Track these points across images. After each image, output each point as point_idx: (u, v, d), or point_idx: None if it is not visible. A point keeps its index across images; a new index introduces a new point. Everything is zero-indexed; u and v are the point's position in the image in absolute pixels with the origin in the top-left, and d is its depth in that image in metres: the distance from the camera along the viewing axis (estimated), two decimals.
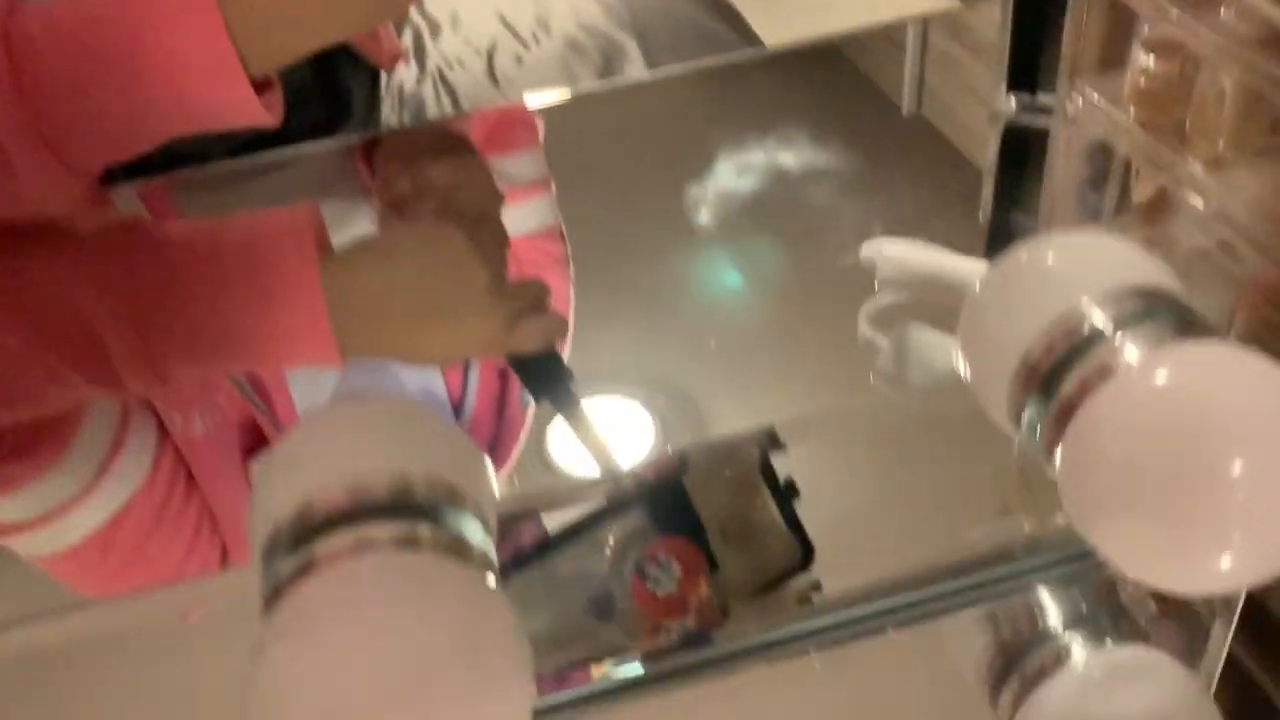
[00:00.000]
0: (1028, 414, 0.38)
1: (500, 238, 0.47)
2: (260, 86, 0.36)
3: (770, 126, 1.13)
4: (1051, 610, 0.48)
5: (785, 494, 0.43)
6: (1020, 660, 0.47)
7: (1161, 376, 0.35)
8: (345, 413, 0.35)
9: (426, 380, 0.61)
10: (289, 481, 0.33)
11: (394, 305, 0.41)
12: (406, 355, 0.44)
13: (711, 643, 0.42)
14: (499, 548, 0.35)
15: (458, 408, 0.62)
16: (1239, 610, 0.48)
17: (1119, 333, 0.36)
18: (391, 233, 0.45)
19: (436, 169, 0.48)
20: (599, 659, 0.43)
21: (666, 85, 0.43)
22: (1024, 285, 0.40)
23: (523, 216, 0.61)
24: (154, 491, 0.49)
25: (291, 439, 0.34)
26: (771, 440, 0.44)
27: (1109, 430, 0.35)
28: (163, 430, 0.49)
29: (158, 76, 0.34)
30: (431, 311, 0.42)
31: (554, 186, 0.62)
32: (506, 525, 0.41)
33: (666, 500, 0.42)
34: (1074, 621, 0.47)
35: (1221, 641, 0.48)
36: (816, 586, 0.44)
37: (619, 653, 0.43)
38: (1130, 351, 0.36)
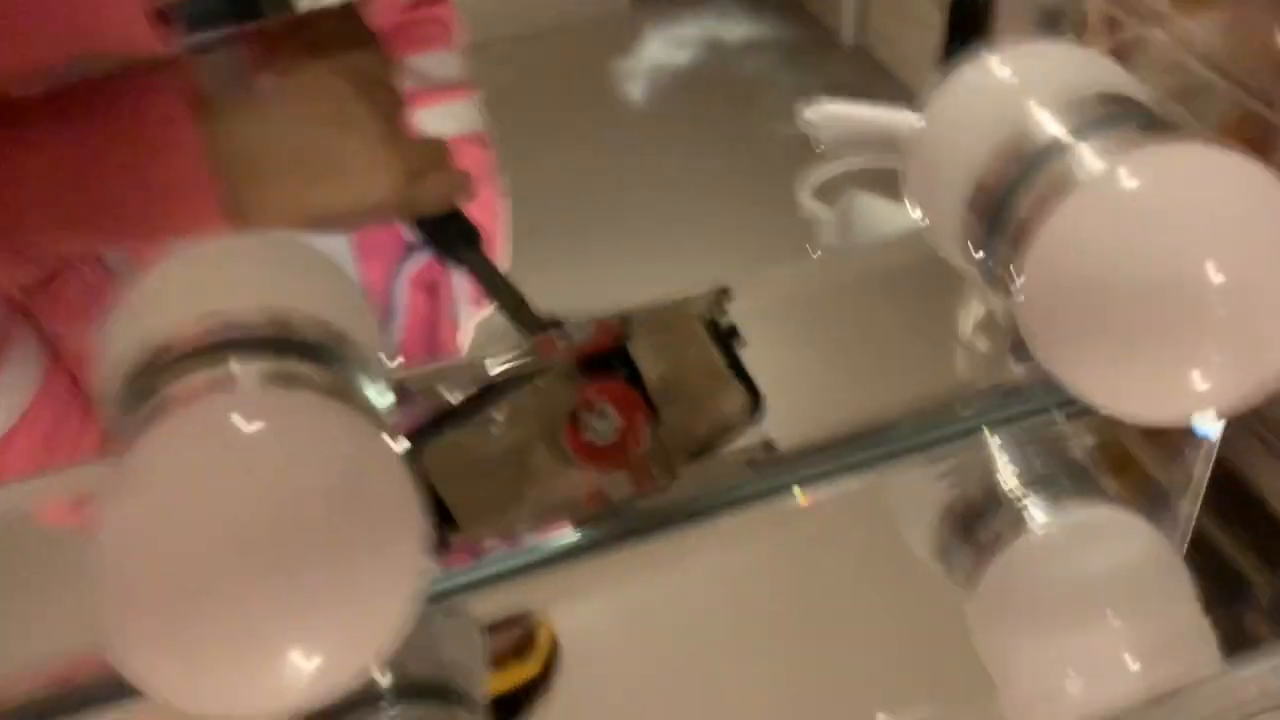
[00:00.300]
0: (984, 246, 0.35)
1: (394, 96, 0.44)
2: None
3: (714, 62, 1.10)
4: (1008, 471, 0.44)
5: (728, 342, 0.40)
6: (977, 528, 0.43)
7: (1126, 184, 0.32)
8: (209, 248, 0.31)
9: None
10: (139, 324, 0.29)
11: (278, 157, 0.39)
12: (298, 215, 0.41)
13: (654, 505, 0.40)
14: (410, 414, 0.33)
15: (384, 328, 0.60)
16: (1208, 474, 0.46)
17: (1079, 143, 0.33)
18: (272, 82, 0.42)
19: (323, 34, 0.44)
20: (534, 524, 0.40)
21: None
22: (972, 104, 0.36)
23: (441, 119, 0.59)
24: (40, 417, 0.45)
25: (145, 280, 0.30)
26: (718, 296, 0.41)
27: (1071, 250, 0.32)
28: (52, 352, 0.46)
29: None
30: (318, 165, 0.40)
31: (479, 92, 0.60)
32: (419, 393, 0.38)
33: (603, 356, 0.39)
34: (1032, 483, 0.44)
35: (1190, 507, 0.46)
36: (770, 447, 0.41)
37: (555, 517, 0.40)
38: (1091, 161, 0.32)
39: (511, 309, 0.44)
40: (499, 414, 0.39)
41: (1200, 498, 0.46)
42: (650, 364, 0.40)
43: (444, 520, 0.40)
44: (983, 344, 0.46)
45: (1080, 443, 0.47)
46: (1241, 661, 0.35)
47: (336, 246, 0.56)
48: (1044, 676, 0.37)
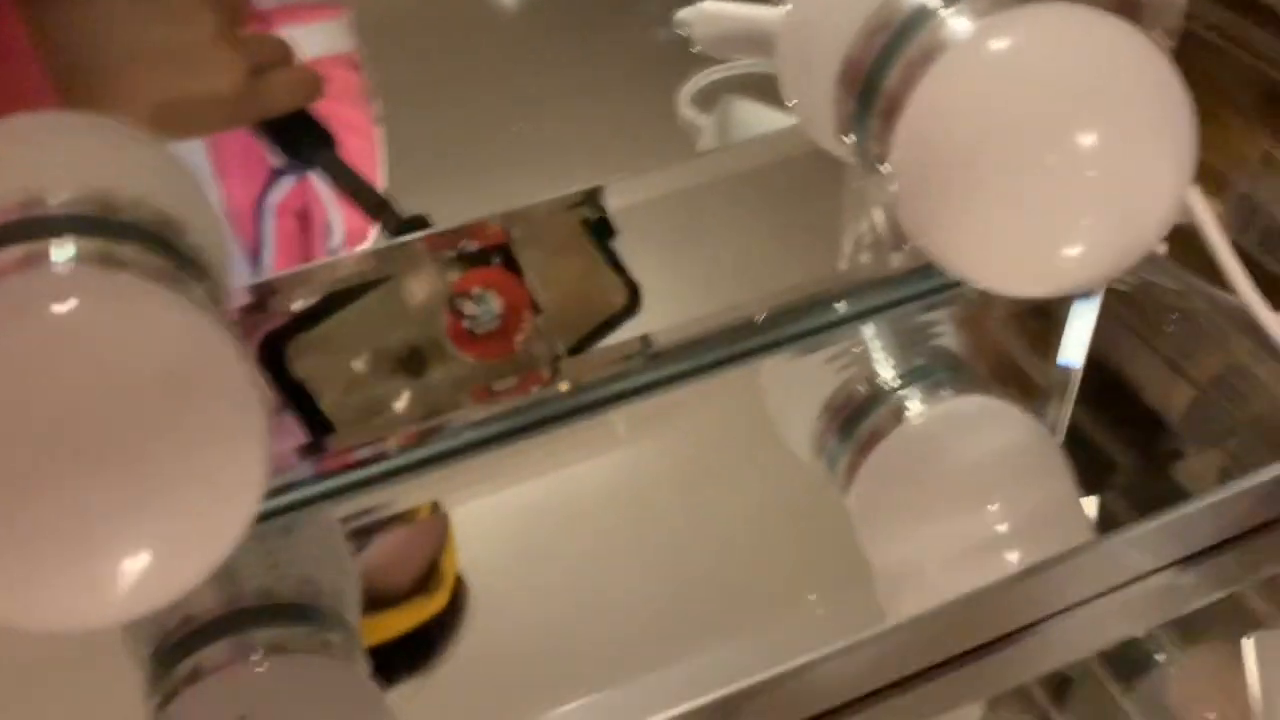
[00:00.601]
0: (856, 124, 0.34)
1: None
2: None
3: None
4: (885, 365, 0.44)
5: (605, 238, 0.39)
6: (855, 424, 0.43)
7: (994, 46, 0.31)
8: (27, 123, 0.28)
9: None
10: None
11: (111, 52, 0.38)
12: (136, 114, 0.38)
13: (540, 398, 0.39)
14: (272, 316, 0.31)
15: (255, 259, 0.58)
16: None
17: (947, 8, 0.32)
18: None
19: None
20: (413, 423, 0.39)
21: None
22: None
23: (308, 39, 0.56)
24: None
25: None
26: (592, 195, 0.40)
27: (940, 118, 0.31)
28: None
29: None
30: (154, 59, 0.38)
31: (347, 12, 0.57)
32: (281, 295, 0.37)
33: (480, 251, 0.38)
34: (909, 375, 0.44)
35: (1066, 395, 0.46)
36: (648, 341, 0.40)
37: (436, 413, 0.39)
38: (959, 24, 0.32)
39: (373, 209, 0.43)
40: (368, 308, 0.37)
41: (1076, 387, 0.46)
42: (529, 258, 0.39)
43: (318, 422, 0.38)
44: (861, 234, 0.45)
45: (958, 336, 0.47)
46: (1104, 538, 0.36)
47: (194, 163, 0.54)
48: (914, 561, 0.37)
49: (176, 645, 0.35)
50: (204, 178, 0.56)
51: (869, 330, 0.45)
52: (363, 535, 0.43)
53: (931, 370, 0.45)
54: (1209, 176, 0.48)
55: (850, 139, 0.35)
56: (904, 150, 0.32)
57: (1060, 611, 0.38)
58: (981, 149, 0.30)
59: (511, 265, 0.38)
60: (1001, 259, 0.32)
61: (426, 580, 0.44)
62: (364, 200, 0.43)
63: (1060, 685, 0.68)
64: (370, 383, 0.39)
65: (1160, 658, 0.61)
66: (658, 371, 0.40)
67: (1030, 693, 0.70)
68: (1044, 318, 0.47)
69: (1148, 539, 0.37)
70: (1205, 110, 0.46)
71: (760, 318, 0.43)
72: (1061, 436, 0.46)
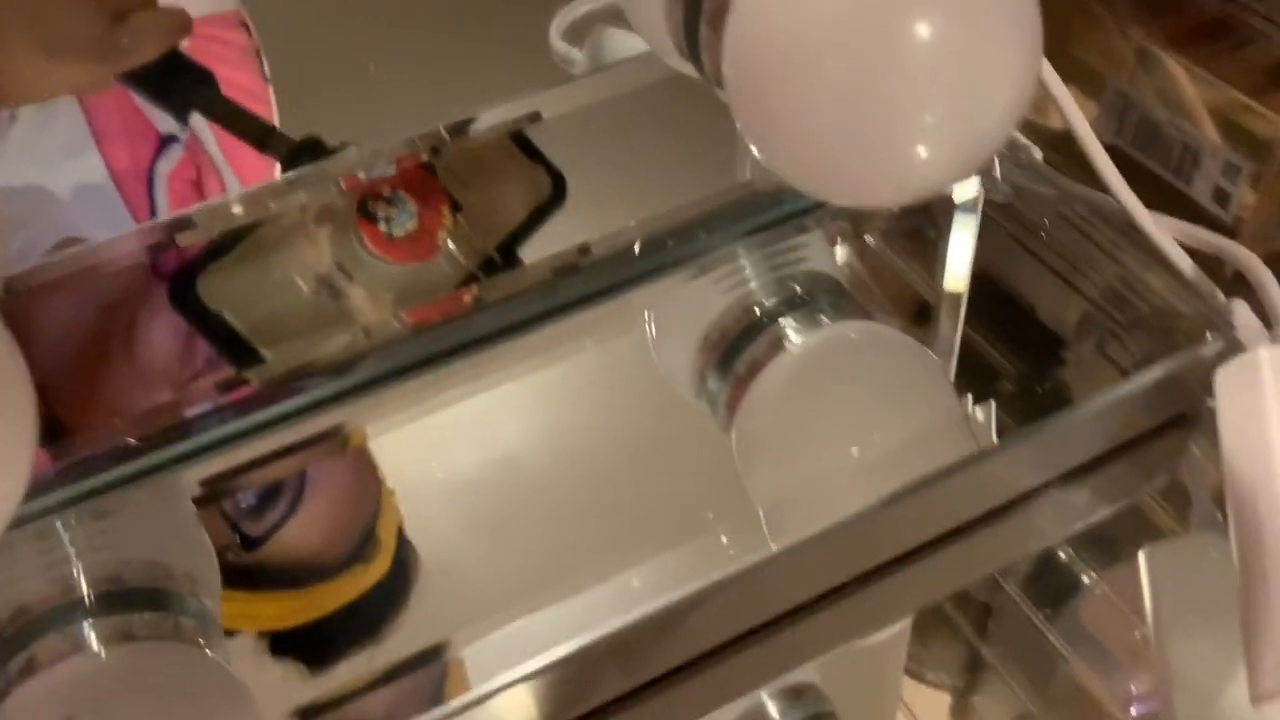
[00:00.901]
0: (688, 39, 0.32)
1: None
2: None
3: None
4: (762, 295, 0.42)
5: (523, 136, 0.38)
6: (732, 359, 0.41)
7: None
8: None
9: (104, 201, 0.54)
10: None
11: None
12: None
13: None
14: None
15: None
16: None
17: None
18: None
19: None
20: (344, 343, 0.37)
21: None
22: None
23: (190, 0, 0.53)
24: None
25: None
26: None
27: (766, 24, 0.29)
28: None
29: None
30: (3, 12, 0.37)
31: None
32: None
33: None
34: (788, 304, 0.42)
35: (954, 320, 0.44)
36: (585, 250, 0.39)
37: (367, 331, 0.37)
38: None
39: (260, 139, 0.41)
40: (277, 230, 0.35)
41: (963, 306, 0.44)
42: (440, 159, 0.37)
43: (242, 353, 0.36)
44: (730, 158, 0.43)
45: (839, 260, 0.46)
46: (989, 452, 0.34)
47: (74, 130, 0.52)
48: (798, 491, 0.36)
49: (10, 639, 0.33)
50: (84, 146, 0.53)
51: (743, 258, 0.43)
52: (291, 504, 0.42)
53: (811, 297, 0.43)
54: (1085, 76, 0.46)
55: (687, 54, 0.33)
56: (734, 59, 0.30)
57: (952, 532, 0.37)
58: (817, 52, 0.28)
59: (423, 166, 0.36)
60: (844, 168, 0.30)
61: (363, 548, 0.43)
62: (250, 132, 0.41)
63: (984, 616, 0.67)
64: (292, 306, 0.37)
65: (1083, 581, 0.60)
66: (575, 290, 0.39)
67: (957, 625, 0.70)
68: (925, 237, 0.45)
69: (1033, 451, 0.35)
70: (1079, 7, 0.45)
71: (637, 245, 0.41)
72: (954, 357, 0.45)
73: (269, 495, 0.41)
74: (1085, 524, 0.39)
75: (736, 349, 0.42)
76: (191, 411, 0.36)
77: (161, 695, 0.34)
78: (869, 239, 0.44)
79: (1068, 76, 0.44)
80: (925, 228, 0.45)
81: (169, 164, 0.57)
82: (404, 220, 0.37)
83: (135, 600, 0.35)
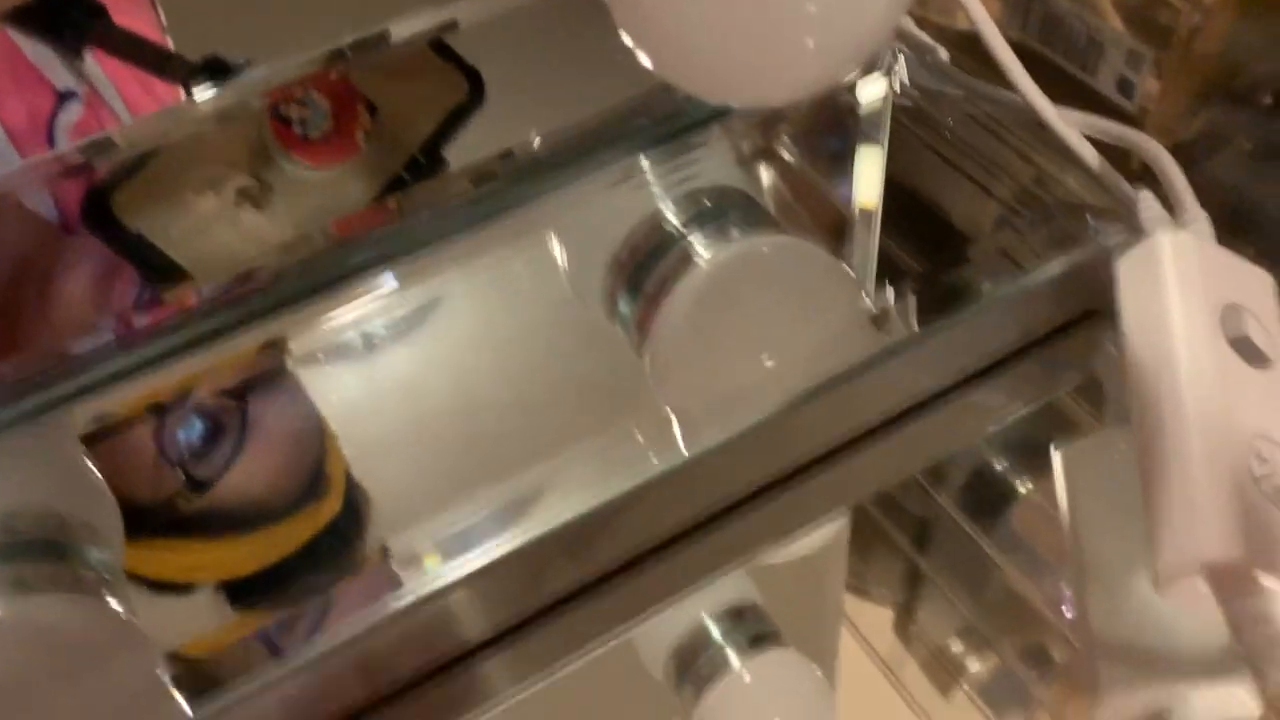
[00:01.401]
0: None
1: None
2: None
3: None
4: (674, 211, 0.41)
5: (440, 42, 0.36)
6: (643, 277, 0.40)
7: None
8: None
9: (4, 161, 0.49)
10: None
11: None
12: None
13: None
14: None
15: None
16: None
17: None
18: None
19: None
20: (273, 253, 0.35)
21: None
22: None
23: None
24: None
25: None
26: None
27: None
28: None
29: None
30: None
31: None
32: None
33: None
34: (697, 220, 0.41)
35: (868, 228, 0.44)
36: (508, 153, 0.38)
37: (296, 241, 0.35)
38: None
39: (160, 65, 0.39)
40: (190, 144, 0.34)
41: (878, 215, 0.44)
42: (352, 62, 0.35)
43: (167, 273, 0.35)
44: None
45: (751, 172, 0.45)
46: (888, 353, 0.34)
47: None
48: (710, 401, 0.35)
49: None
50: None
51: (650, 173, 0.42)
52: (236, 443, 0.40)
53: (722, 211, 0.42)
54: None
55: None
56: None
57: (868, 433, 0.37)
58: None
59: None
60: (727, 64, 0.29)
61: (315, 485, 0.42)
62: (147, 59, 0.39)
63: (922, 530, 0.67)
64: (213, 219, 0.36)
65: (1018, 490, 0.60)
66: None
67: (895, 540, 0.70)
68: (837, 146, 0.45)
69: (939, 349, 0.35)
70: None
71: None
72: (872, 264, 0.44)
73: (212, 435, 0.40)
74: (1002, 422, 0.39)
75: (646, 267, 0.41)
76: (80, 347, 0.35)
77: (61, 648, 0.33)
78: (783, 151, 0.44)
79: None
80: (837, 136, 0.45)
81: (69, 118, 0.55)
82: (319, 121, 0.36)
83: (30, 551, 0.34)
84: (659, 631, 0.53)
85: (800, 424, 0.35)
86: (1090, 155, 0.37)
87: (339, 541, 0.41)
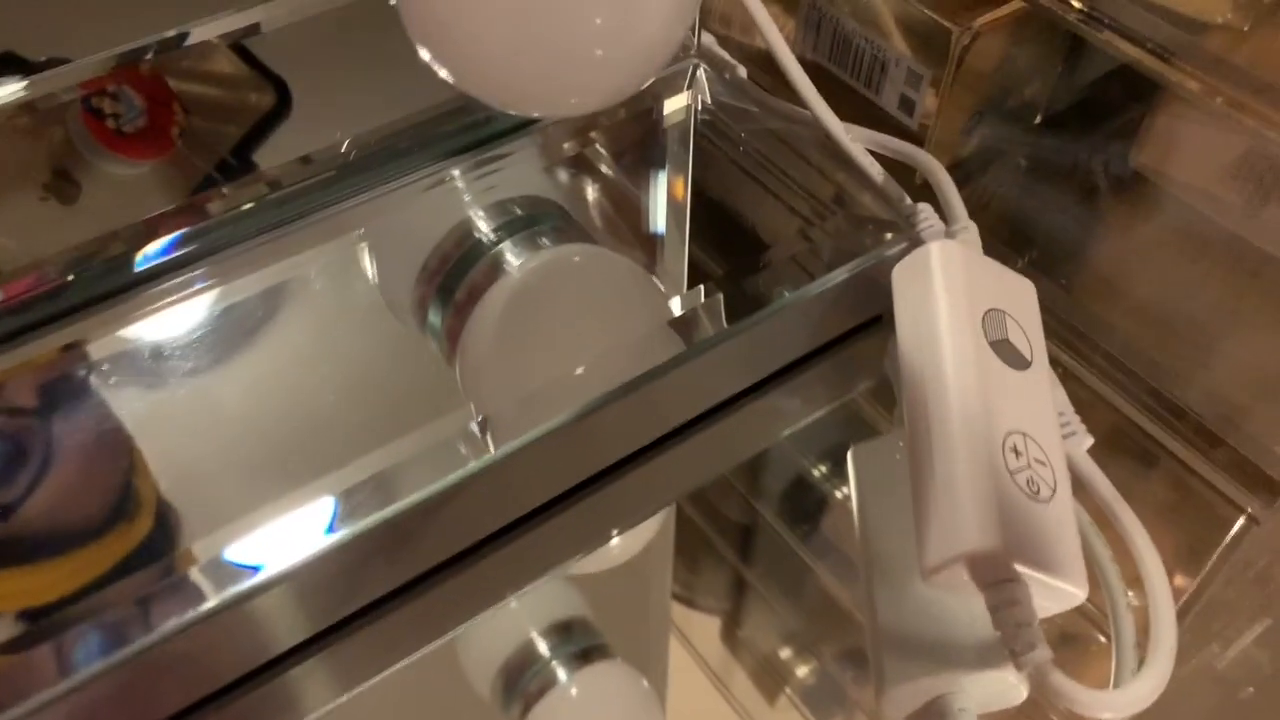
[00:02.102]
0: None
1: None
2: None
3: None
4: (484, 221, 0.42)
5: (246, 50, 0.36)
6: (453, 286, 0.41)
7: None
8: None
9: None
10: None
11: None
12: None
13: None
14: None
15: None
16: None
17: None
18: None
19: None
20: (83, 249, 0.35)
21: None
22: None
23: None
24: None
25: None
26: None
27: None
28: None
29: None
30: None
31: None
32: None
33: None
34: (507, 229, 0.41)
35: (678, 238, 0.45)
36: (314, 158, 0.38)
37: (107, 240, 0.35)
38: None
39: None
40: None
41: (687, 222, 0.45)
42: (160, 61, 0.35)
43: None
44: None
45: (564, 182, 0.45)
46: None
47: None
48: (515, 401, 0.35)
49: None
50: None
51: (460, 181, 0.42)
52: (41, 463, 0.39)
53: (533, 221, 0.43)
54: None
55: None
56: None
57: (668, 436, 0.38)
58: None
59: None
60: (513, 75, 0.30)
61: (125, 503, 0.40)
62: None
63: (745, 539, 0.69)
64: (20, 215, 0.35)
65: (835, 497, 0.62)
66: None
67: (720, 550, 0.71)
68: (646, 158, 0.46)
69: (728, 355, 0.36)
70: None
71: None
72: (681, 274, 0.46)
73: (14, 456, 0.38)
74: (797, 424, 0.41)
75: (455, 275, 0.41)
76: None
77: None
78: (594, 161, 0.45)
79: None
80: (645, 148, 0.46)
81: None
82: (133, 116, 0.35)
83: None
84: (485, 649, 0.53)
85: (602, 427, 0.35)
86: (874, 169, 0.39)
87: (152, 559, 0.40)
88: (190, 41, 0.36)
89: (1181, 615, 0.40)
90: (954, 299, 0.32)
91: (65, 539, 0.38)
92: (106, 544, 0.40)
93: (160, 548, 0.40)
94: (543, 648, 0.54)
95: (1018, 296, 0.34)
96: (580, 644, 0.55)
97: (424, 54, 0.30)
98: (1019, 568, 0.28)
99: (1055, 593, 0.29)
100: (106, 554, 0.40)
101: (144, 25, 0.36)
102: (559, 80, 0.30)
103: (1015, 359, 0.32)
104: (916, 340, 0.32)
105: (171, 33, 0.36)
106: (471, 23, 0.29)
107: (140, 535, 0.40)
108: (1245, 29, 0.38)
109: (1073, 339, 0.43)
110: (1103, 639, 0.40)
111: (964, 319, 0.32)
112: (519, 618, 0.54)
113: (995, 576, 0.28)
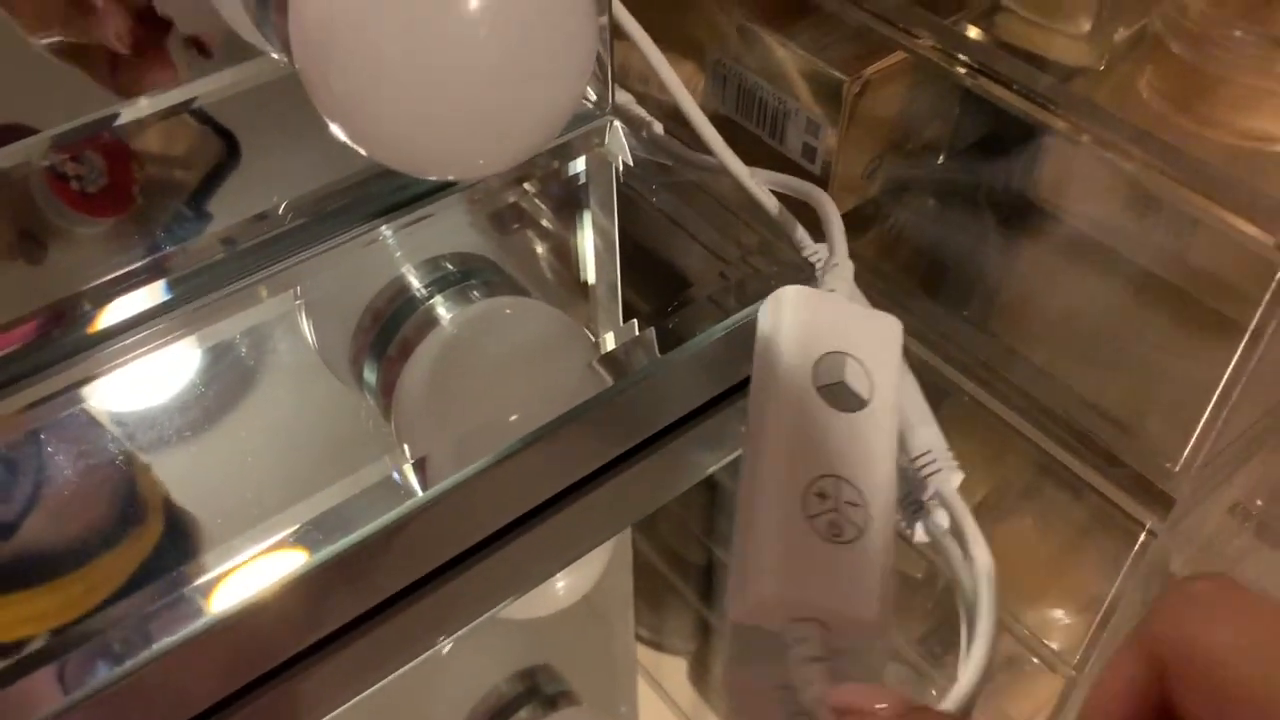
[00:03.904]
0: (261, 19, 0.33)
1: None
2: None
3: None
4: (413, 277, 0.44)
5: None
6: (386, 342, 0.42)
7: None
8: None
9: None
10: None
11: None
12: None
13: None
14: None
15: None
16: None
17: None
18: None
19: None
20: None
21: None
22: None
23: None
24: None
25: None
26: None
27: (322, 6, 0.30)
28: None
29: None
30: None
31: None
32: None
33: None
34: (439, 284, 0.43)
35: (607, 287, 0.47)
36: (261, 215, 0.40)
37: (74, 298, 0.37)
38: None
39: None
40: None
41: (616, 272, 0.47)
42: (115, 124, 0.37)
43: None
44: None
45: (491, 238, 0.47)
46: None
47: None
48: (448, 449, 0.37)
49: None
50: None
51: (392, 239, 0.44)
52: (36, 479, 0.40)
53: (465, 276, 0.45)
54: (697, 52, 0.50)
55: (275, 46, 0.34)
56: (299, 44, 0.31)
57: (600, 471, 0.40)
58: (363, 31, 0.29)
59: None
60: (425, 144, 0.31)
61: (132, 508, 0.41)
62: None
63: (705, 581, 0.70)
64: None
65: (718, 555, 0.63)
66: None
67: (682, 592, 0.72)
68: (572, 212, 0.48)
69: (637, 399, 0.38)
70: None
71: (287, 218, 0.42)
72: (617, 321, 0.47)
73: (7, 475, 0.39)
74: (721, 462, 0.42)
75: (389, 332, 0.43)
76: None
77: None
78: (524, 214, 0.47)
79: (684, 53, 0.47)
80: (569, 201, 0.48)
81: None
82: (95, 177, 0.37)
83: None
84: (452, 698, 0.54)
85: (531, 465, 0.37)
86: (777, 210, 0.41)
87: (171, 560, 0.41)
88: (120, 122, 0.38)
89: (1102, 624, 0.42)
90: (790, 344, 0.33)
91: (81, 551, 0.39)
92: (119, 554, 0.41)
93: (177, 548, 0.41)
94: (508, 695, 0.55)
95: (873, 336, 0.34)
96: (545, 690, 0.56)
97: (335, 131, 0.32)
98: (801, 608, 0.29)
99: (849, 623, 0.29)
100: (125, 560, 0.41)
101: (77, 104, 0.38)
102: (462, 147, 0.32)
103: (848, 401, 0.32)
104: (758, 381, 0.33)
105: (102, 114, 0.38)
106: (372, 101, 0.30)
107: (155, 537, 0.41)
108: (1102, 69, 0.41)
109: (983, 372, 0.45)
110: (1035, 660, 0.41)
111: (795, 363, 0.32)
112: (484, 666, 0.55)
113: (786, 616, 0.29)
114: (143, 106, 0.39)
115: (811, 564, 0.29)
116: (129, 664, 0.31)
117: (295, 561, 0.33)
